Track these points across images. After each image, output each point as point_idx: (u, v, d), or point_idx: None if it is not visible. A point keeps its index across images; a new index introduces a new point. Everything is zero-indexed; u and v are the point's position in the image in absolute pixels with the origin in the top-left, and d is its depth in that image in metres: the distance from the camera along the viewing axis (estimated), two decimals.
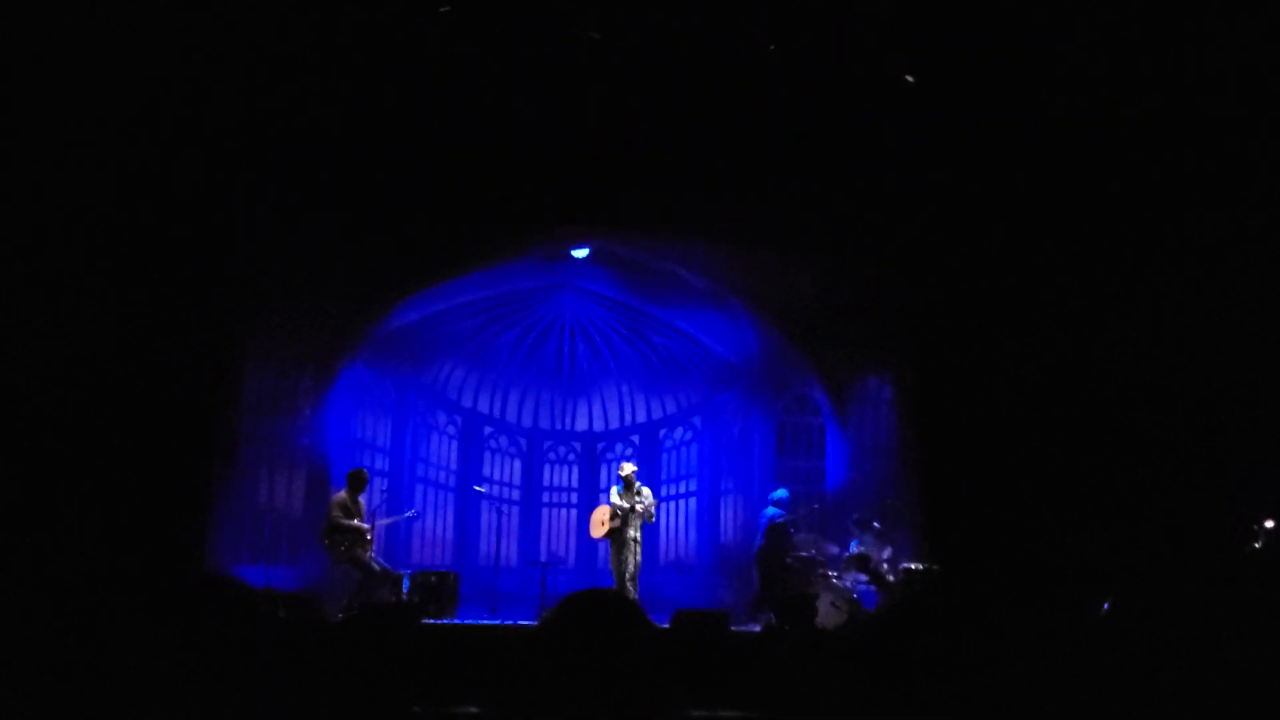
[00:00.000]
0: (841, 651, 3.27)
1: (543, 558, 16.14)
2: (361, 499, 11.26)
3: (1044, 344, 9.98)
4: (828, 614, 10.47)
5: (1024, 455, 10.02)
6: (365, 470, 11.59)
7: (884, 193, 10.47)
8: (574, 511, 17.87)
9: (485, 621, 11.11)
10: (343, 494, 11.09)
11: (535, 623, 12.12)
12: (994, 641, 2.48)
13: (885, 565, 11.40)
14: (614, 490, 12.12)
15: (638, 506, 11.67)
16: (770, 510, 12.85)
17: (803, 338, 13.69)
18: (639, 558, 11.68)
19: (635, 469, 12.14)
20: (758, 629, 10.77)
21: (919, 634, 2.59)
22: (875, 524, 11.97)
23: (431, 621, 10.33)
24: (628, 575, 11.50)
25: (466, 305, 14.88)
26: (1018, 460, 10.05)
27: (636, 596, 11.21)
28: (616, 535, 11.66)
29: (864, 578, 11.19)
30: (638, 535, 11.69)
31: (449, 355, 15.99)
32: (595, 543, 17.23)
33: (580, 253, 13.62)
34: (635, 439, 17.78)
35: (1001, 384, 10.30)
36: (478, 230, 11.68)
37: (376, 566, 10.96)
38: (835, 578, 11.36)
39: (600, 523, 11.86)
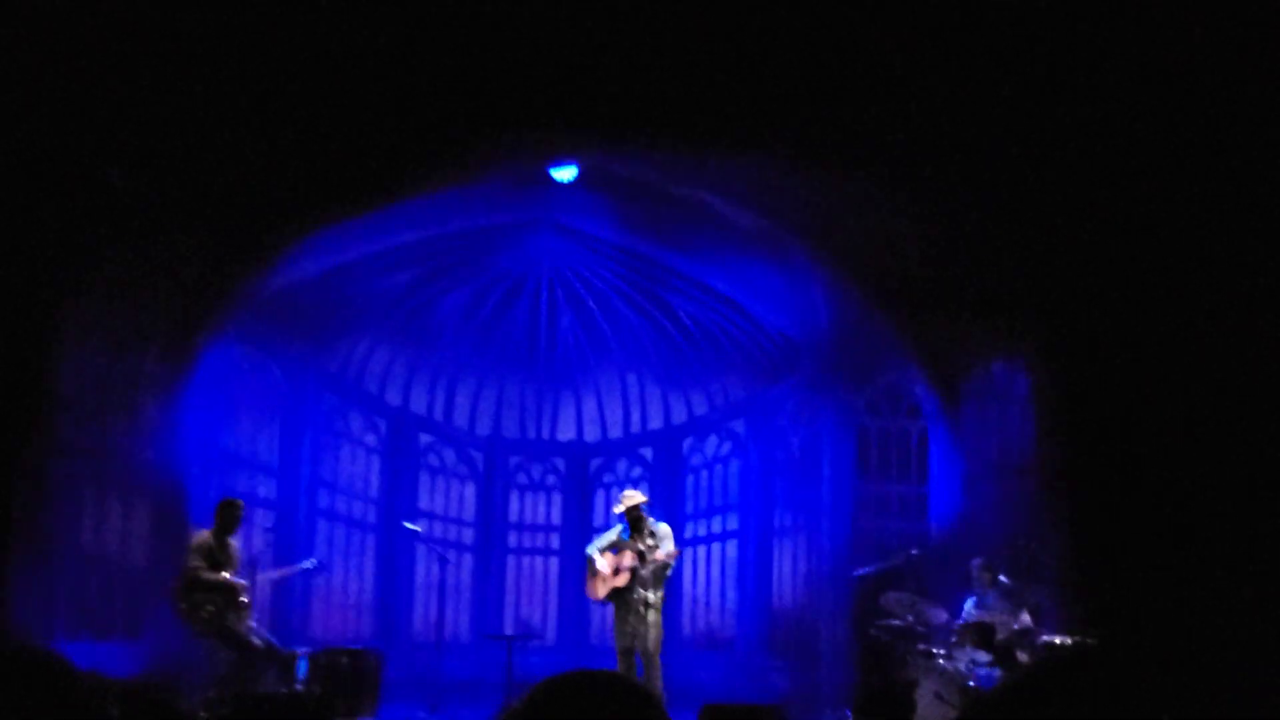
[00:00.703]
0: None
1: (508, 629, 16.19)
2: (235, 541, 11.24)
3: (1258, 324, 9.94)
4: (931, 710, 10.46)
5: (1226, 481, 9.98)
6: (240, 501, 11.58)
7: (1027, 93, 10.38)
8: (554, 561, 17.91)
9: None
10: (207, 535, 11.07)
11: None
12: None
13: (1017, 638, 11.37)
14: (615, 530, 12.09)
15: (655, 554, 11.62)
16: None
17: (897, 304, 13.61)
18: (660, 630, 11.67)
19: (646, 499, 12.10)
20: None
21: None
22: (1003, 577, 11.93)
23: None
24: (645, 653, 11.48)
25: (394, 252, 14.86)
26: (1217, 487, 10.01)
27: (660, 686, 11.21)
28: (622, 596, 11.63)
29: (985, 657, 11.16)
30: (657, 597, 11.66)
31: (367, 328, 16.00)
32: (586, 608, 17.36)
33: (565, 173, 13.52)
34: (647, 453, 17.81)
35: (1193, 376, 10.26)
36: (409, 136, 11.61)
37: (257, 641, 10.95)
38: (943, 657, 11.32)
39: (602, 578, 11.83)
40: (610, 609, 12.10)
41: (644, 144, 12.68)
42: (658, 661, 11.43)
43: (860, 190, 12.55)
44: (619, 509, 11.94)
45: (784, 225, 13.73)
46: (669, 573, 11.80)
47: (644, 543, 11.67)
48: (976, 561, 12.11)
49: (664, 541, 11.71)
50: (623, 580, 11.62)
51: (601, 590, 11.82)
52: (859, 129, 11.30)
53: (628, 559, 11.60)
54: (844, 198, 12.81)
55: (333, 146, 11.41)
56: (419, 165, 12.54)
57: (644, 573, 11.51)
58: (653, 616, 11.50)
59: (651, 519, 11.93)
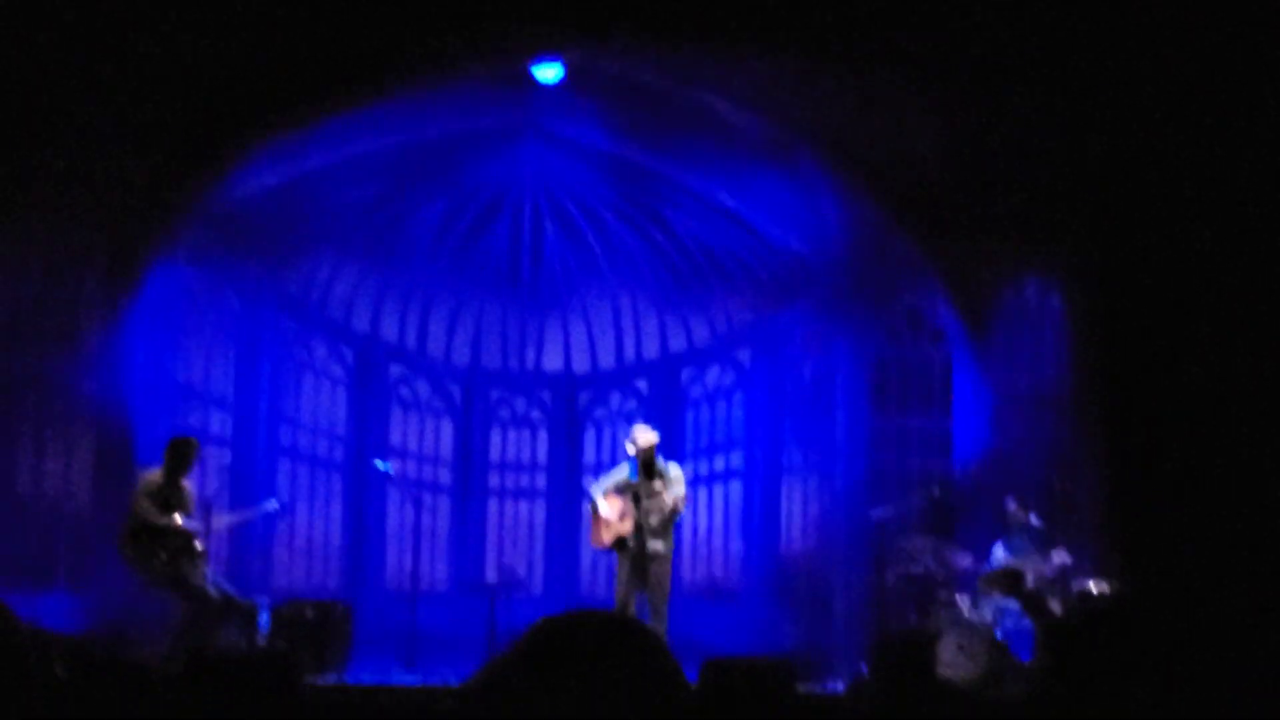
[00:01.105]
0: None
1: (490, 578, 16.26)
2: (188, 483, 11.26)
3: None
4: (954, 664, 10.54)
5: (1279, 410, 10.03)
6: (193, 438, 11.60)
7: None
8: (540, 504, 17.97)
9: (397, 682, 11.19)
10: (156, 475, 11.09)
11: (479, 678, 12.15)
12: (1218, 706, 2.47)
13: (1049, 585, 11.44)
14: (621, 470, 12.03)
15: (666, 497, 11.62)
16: None
17: (918, 218, 13.61)
18: (668, 582, 11.72)
19: (657, 437, 12.05)
20: (840, 688, 10.81)
21: (1101, 698, 2.59)
22: (1034, 518, 11.99)
23: (308, 682, 10.37)
24: (651, 606, 11.53)
25: (360, 162, 14.78)
26: (1270, 417, 10.04)
27: (665, 637, 11.27)
28: (627, 545, 11.63)
29: (1013, 605, 11.24)
30: (667, 546, 11.71)
31: (331, 247, 15.96)
32: (576, 556, 17.43)
33: (549, 72, 13.44)
34: (642, 385, 17.83)
35: (1243, 295, 10.27)
36: (376, 29, 11.54)
37: (214, 592, 11.00)
38: (967, 606, 11.42)
39: (605, 523, 11.82)
40: (612, 559, 12.14)
41: (637, 39, 12.61)
42: (664, 614, 11.49)
43: (878, 92, 12.51)
44: (632, 449, 11.86)
45: (794, 132, 13.70)
46: (674, 520, 11.83)
47: (654, 486, 11.67)
48: (1011, 501, 12.15)
49: (674, 485, 11.72)
50: (628, 527, 11.60)
51: (606, 537, 11.80)
52: (876, 23, 11.26)
53: (636, 504, 11.59)
54: (860, 101, 12.77)
55: (292, 42, 11.35)
56: (387, 63, 12.48)
57: (653, 520, 11.53)
58: (661, 567, 11.56)
59: (661, 459, 11.94)
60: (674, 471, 11.85)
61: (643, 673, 2.34)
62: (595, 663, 2.33)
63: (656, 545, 11.51)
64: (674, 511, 11.63)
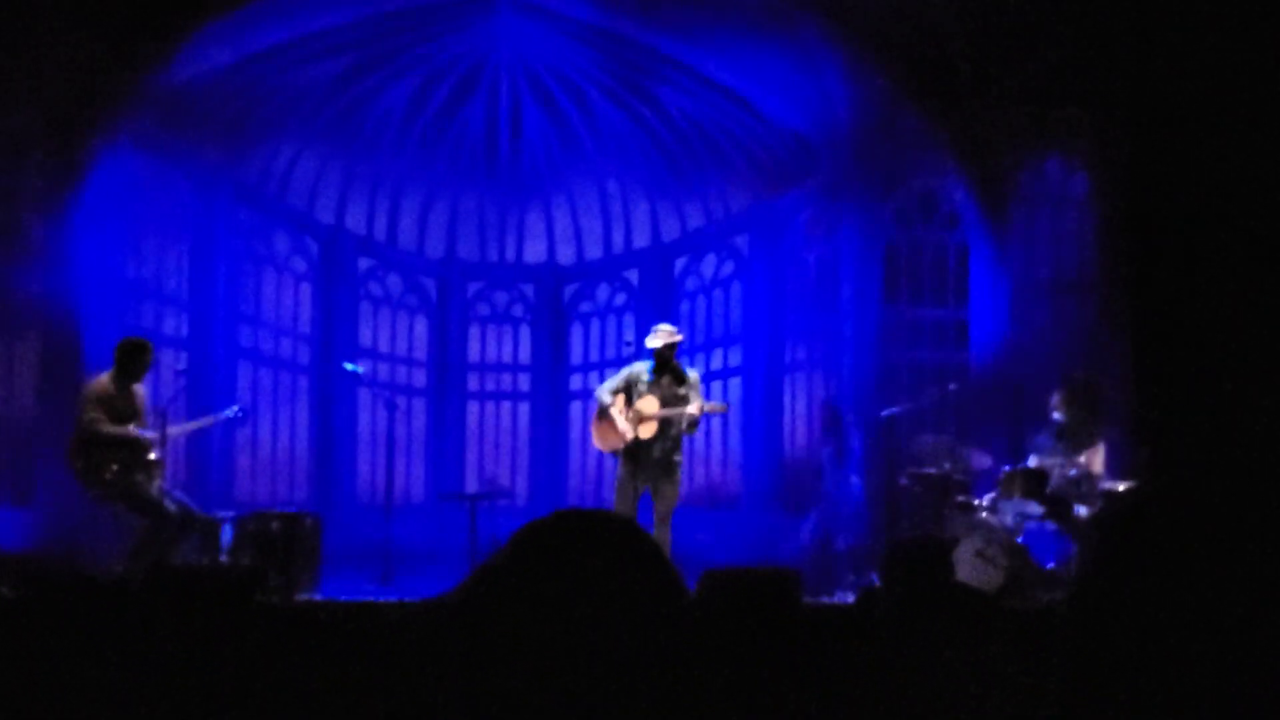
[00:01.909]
0: (999, 639, 3.31)
1: (470, 488, 16.34)
2: (141, 389, 11.25)
3: None
4: (973, 571, 10.60)
5: None
6: (146, 340, 11.57)
7: None
8: (524, 406, 18.03)
9: (372, 599, 11.23)
10: (106, 380, 11.06)
11: (459, 590, 12.24)
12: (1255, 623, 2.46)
13: (1073, 487, 11.49)
14: (636, 369, 11.86)
15: (689, 406, 11.51)
16: None
17: (930, 91, 13.56)
18: (678, 495, 11.68)
19: (680, 336, 11.92)
20: (850, 599, 10.90)
21: (1131, 613, 2.58)
22: (1056, 414, 12.02)
23: (276, 602, 10.42)
24: (658, 516, 11.54)
25: (321, 37, 14.70)
26: None
27: (669, 547, 11.32)
28: (641, 451, 11.54)
29: (1036, 509, 11.29)
30: (679, 455, 11.70)
31: (291, 131, 15.88)
32: (563, 462, 17.50)
33: None
34: (632, 276, 17.84)
35: None
36: None
37: (171, 506, 11.01)
38: (985, 509, 11.47)
39: (613, 426, 11.67)
40: (603, 464, 12.14)
41: None
42: (669, 525, 11.51)
43: None
44: (655, 343, 11.69)
45: (796, 0, 13.61)
46: (692, 431, 11.81)
47: (678, 390, 11.61)
48: (1057, 394, 12.10)
49: (693, 392, 11.68)
50: (649, 431, 11.52)
51: (615, 440, 11.68)
52: None
53: (656, 407, 11.51)
54: None
55: None
56: None
57: (674, 428, 11.50)
58: (674, 476, 11.56)
59: (679, 363, 11.84)
60: (693, 376, 11.78)
61: (639, 580, 2.32)
62: (587, 570, 2.30)
63: (672, 452, 11.50)
64: (694, 422, 11.58)
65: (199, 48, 13.05)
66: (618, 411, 11.61)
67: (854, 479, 13.75)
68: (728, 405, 11.70)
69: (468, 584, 2.44)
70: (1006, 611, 7.90)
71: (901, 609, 7.06)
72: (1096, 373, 12.37)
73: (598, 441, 11.98)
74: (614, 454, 11.77)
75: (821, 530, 13.45)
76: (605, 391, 11.80)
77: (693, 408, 11.31)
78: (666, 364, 11.59)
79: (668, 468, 11.46)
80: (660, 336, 11.60)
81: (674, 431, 11.47)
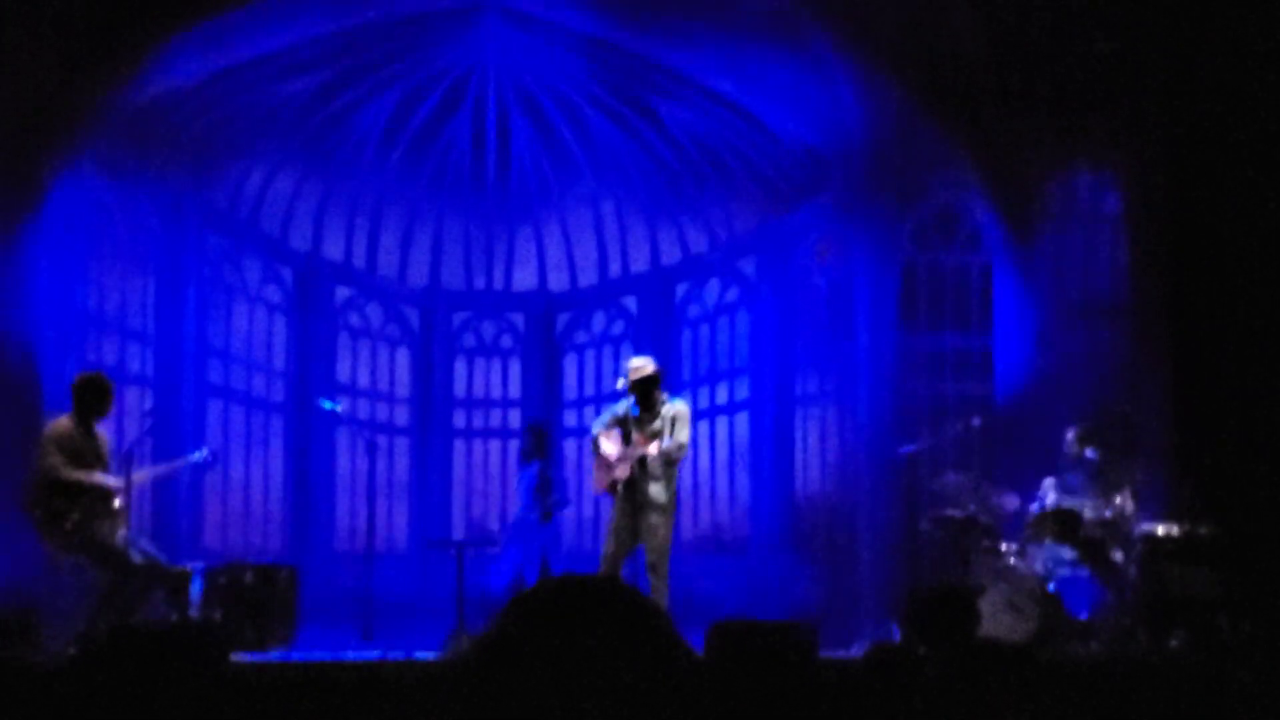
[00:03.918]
0: (1029, 695, 3.29)
1: (457, 534, 16.30)
2: (103, 431, 11.25)
3: None
4: (1001, 622, 10.58)
5: None
6: (107, 378, 11.56)
7: None
8: (514, 445, 17.97)
9: (351, 656, 11.20)
10: (66, 422, 11.06)
11: (450, 652, 12.19)
12: None
13: (1109, 530, 11.47)
14: (623, 405, 11.96)
15: (665, 439, 11.58)
16: None
17: (950, 102, 13.59)
18: (668, 536, 11.72)
19: (652, 367, 12.02)
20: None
21: (1178, 669, 2.56)
22: (1089, 452, 12.00)
23: (249, 658, 10.36)
24: (648, 563, 11.57)
25: (294, 51, 14.74)
26: None
27: (665, 601, 11.30)
28: (623, 491, 11.62)
29: (1068, 553, 11.28)
30: (668, 495, 11.71)
31: (263, 151, 15.91)
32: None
33: None
34: (630, 304, 17.84)
35: None
36: None
37: (137, 556, 11.00)
38: (1014, 555, 11.45)
39: (604, 466, 11.81)
40: (600, 509, 12.19)
41: None
42: (663, 573, 11.50)
43: None
44: (621, 383, 11.81)
45: (805, 6, 13.65)
46: (676, 466, 11.81)
47: (654, 425, 11.65)
48: (1071, 430, 12.12)
49: (678, 426, 11.69)
50: (624, 471, 11.58)
51: (603, 481, 11.80)
52: None
53: (633, 444, 11.58)
54: None
55: None
56: None
57: (652, 462, 11.52)
58: (658, 518, 11.55)
59: (666, 395, 11.89)
60: (678, 409, 11.79)
61: (637, 648, 2.31)
62: (584, 646, 2.30)
63: (655, 490, 11.50)
64: (669, 456, 11.59)
65: (164, 62, 13.09)
66: (606, 451, 11.69)
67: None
68: (680, 445, 11.69)
69: (450, 664, 2.44)
70: (1039, 665, 7.87)
71: (923, 663, 7.01)
72: (1132, 405, 12.36)
73: (593, 483, 12.06)
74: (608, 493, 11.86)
75: (517, 570, 13.33)
76: (597, 430, 11.89)
77: (665, 441, 11.39)
78: (646, 398, 11.65)
79: (652, 508, 11.47)
80: (631, 374, 11.71)
81: (654, 469, 11.47)
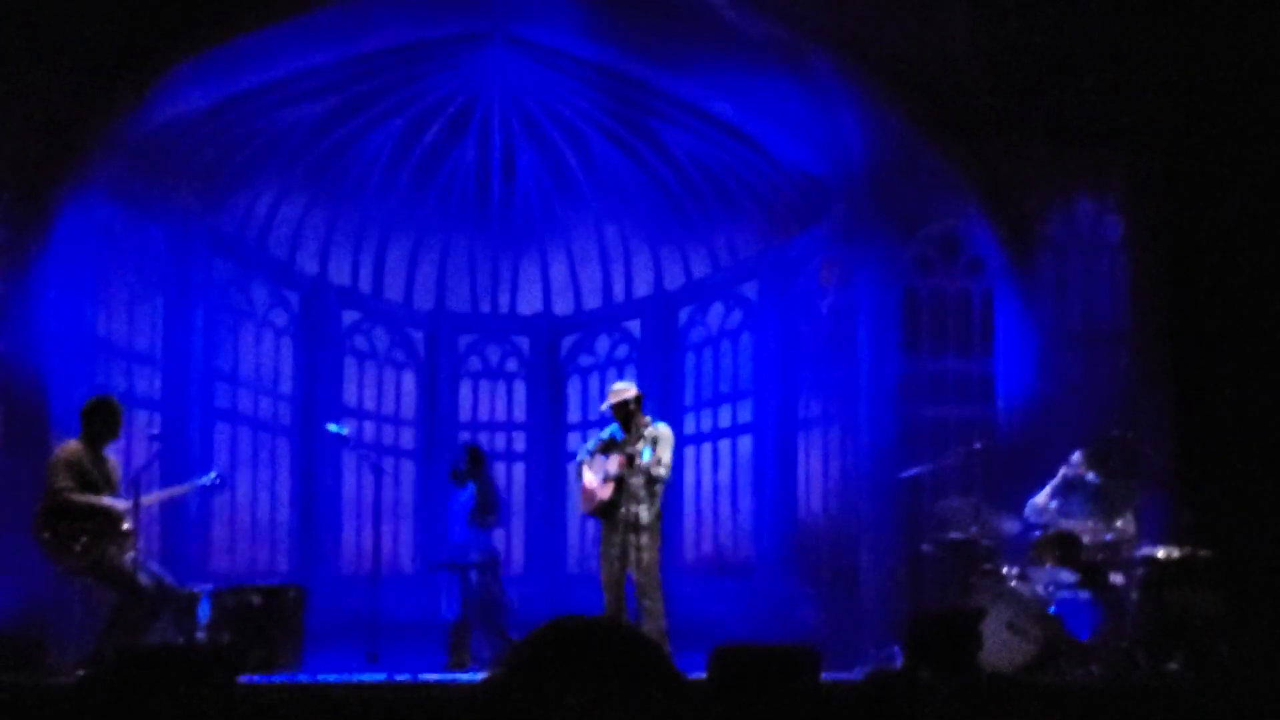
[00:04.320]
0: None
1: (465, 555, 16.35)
2: (112, 455, 11.27)
3: None
4: (1003, 645, 10.58)
5: None
6: (116, 400, 11.58)
7: None
8: (519, 468, 18.01)
9: (358, 678, 11.21)
10: (75, 446, 11.06)
11: (461, 676, 12.22)
12: None
13: (1110, 553, 11.48)
14: (608, 430, 12.08)
15: (641, 460, 11.65)
16: None
17: (952, 129, 13.60)
18: (655, 555, 11.74)
19: (638, 394, 12.11)
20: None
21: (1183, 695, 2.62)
22: (1090, 475, 12.02)
23: (256, 680, 10.38)
24: (637, 584, 11.57)
25: (302, 78, 14.75)
26: None
27: (662, 623, 11.32)
28: (609, 513, 11.69)
29: (1069, 576, 11.28)
30: (651, 514, 11.72)
31: (271, 177, 15.91)
32: (561, 527, 17.47)
33: None
34: (633, 327, 17.84)
35: None
36: None
37: (145, 579, 11.00)
38: (1016, 578, 11.45)
39: (587, 490, 11.90)
40: (597, 528, 12.22)
41: None
42: (655, 594, 11.50)
43: None
44: (605, 406, 11.98)
45: (807, 33, 13.66)
46: (660, 487, 11.83)
47: (637, 447, 11.70)
48: (1079, 453, 12.13)
49: (659, 447, 11.74)
50: (607, 492, 11.66)
51: (586, 504, 11.96)
52: None
53: (614, 466, 11.66)
54: None
55: None
56: None
57: (634, 483, 11.56)
58: (644, 539, 11.56)
59: (649, 418, 11.95)
60: (661, 432, 11.85)
61: (639, 689, 2.35)
62: (582, 686, 2.34)
63: (638, 511, 11.53)
64: (652, 478, 11.63)
65: (173, 90, 13.10)
66: (589, 474, 11.81)
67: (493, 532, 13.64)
68: (658, 461, 11.74)
69: (485, 682, 2.47)
70: (1039, 690, 7.92)
71: (925, 687, 7.05)
72: (1132, 429, 12.37)
73: (583, 506, 12.18)
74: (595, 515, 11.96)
75: (465, 596, 13.27)
76: (581, 456, 12.05)
77: (643, 461, 11.45)
78: (629, 421, 11.74)
79: (637, 529, 11.51)
80: (611, 397, 11.84)
81: (638, 491, 11.51)
